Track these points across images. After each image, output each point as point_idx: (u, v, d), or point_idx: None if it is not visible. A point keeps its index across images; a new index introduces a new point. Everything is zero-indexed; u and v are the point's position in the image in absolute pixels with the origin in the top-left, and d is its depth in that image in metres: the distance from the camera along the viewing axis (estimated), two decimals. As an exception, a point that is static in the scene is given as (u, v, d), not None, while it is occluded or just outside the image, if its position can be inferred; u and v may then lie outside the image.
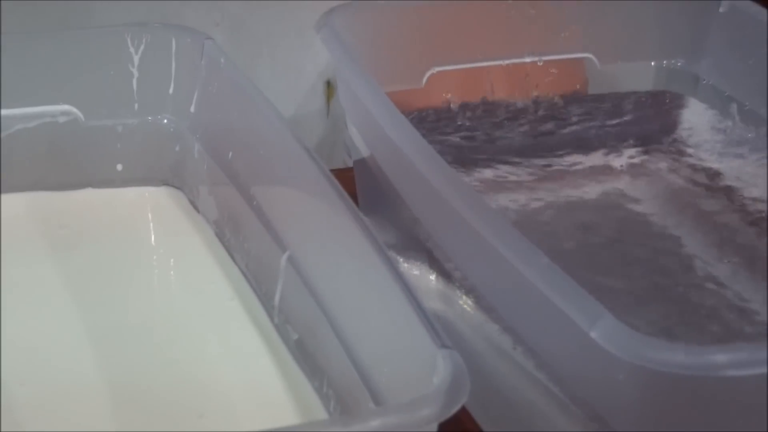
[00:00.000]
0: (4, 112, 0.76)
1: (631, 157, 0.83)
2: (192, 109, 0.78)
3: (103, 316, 0.70)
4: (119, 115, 0.78)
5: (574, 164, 0.82)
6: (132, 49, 0.77)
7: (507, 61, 0.82)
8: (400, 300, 0.57)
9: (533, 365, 0.62)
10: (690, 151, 0.83)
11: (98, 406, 0.63)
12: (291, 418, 0.62)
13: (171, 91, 0.78)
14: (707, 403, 0.54)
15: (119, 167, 0.79)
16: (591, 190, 0.80)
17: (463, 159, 0.81)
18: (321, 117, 1.05)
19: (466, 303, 0.68)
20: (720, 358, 0.53)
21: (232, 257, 0.73)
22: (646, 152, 0.84)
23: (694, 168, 0.82)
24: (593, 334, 0.54)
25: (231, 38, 0.98)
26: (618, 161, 0.83)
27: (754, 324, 0.70)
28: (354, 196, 0.72)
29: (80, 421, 0.63)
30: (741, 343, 0.66)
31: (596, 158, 0.83)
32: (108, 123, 0.78)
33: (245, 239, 0.73)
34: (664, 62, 0.85)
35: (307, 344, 0.66)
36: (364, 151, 0.75)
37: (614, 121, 0.85)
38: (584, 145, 0.84)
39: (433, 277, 0.70)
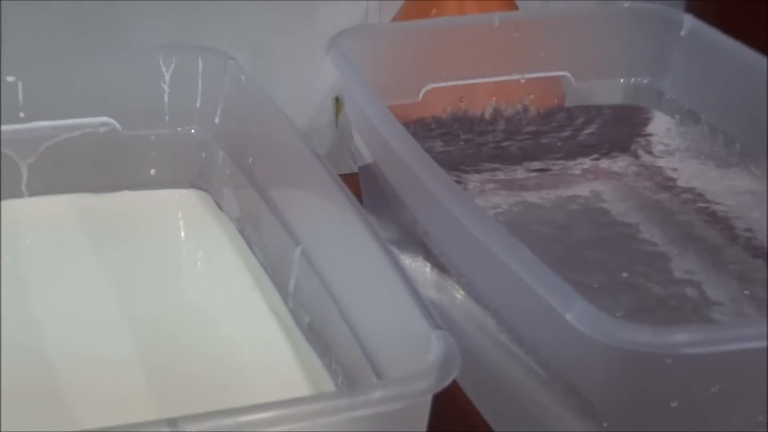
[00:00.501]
0: (52, 123, 0.76)
1: (603, 163, 0.83)
2: (216, 120, 0.78)
3: (140, 301, 0.70)
4: (152, 126, 0.78)
5: (554, 169, 0.82)
6: (164, 68, 0.77)
7: (494, 79, 0.82)
8: (399, 288, 0.57)
9: (516, 345, 0.62)
10: (654, 158, 0.83)
11: (136, 380, 0.64)
12: (303, 391, 0.63)
13: (198, 104, 0.78)
14: (669, 378, 0.54)
15: (152, 172, 0.79)
16: (568, 193, 0.80)
17: (455, 164, 0.81)
18: (330, 128, 1.05)
19: (457, 291, 0.68)
20: (680, 337, 0.53)
21: (252, 250, 0.74)
22: (616, 159, 0.83)
23: (657, 173, 0.82)
24: (569, 317, 0.54)
25: (251, 59, 0.99)
26: (591, 166, 0.83)
27: (709, 308, 0.70)
28: (359, 197, 0.72)
29: (120, 393, 0.63)
30: (698, 325, 0.67)
31: (573, 164, 0.83)
32: (143, 133, 0.78)
33: (263, 235, 0.73)
34: (632, 79, 0.85)
35: (317, 326, 0.66)
36: (368, 158, 0.75)
37: (588, 131, 0.85)
38: (562, 153, 0.84)
39: (428, 268, 0.70)
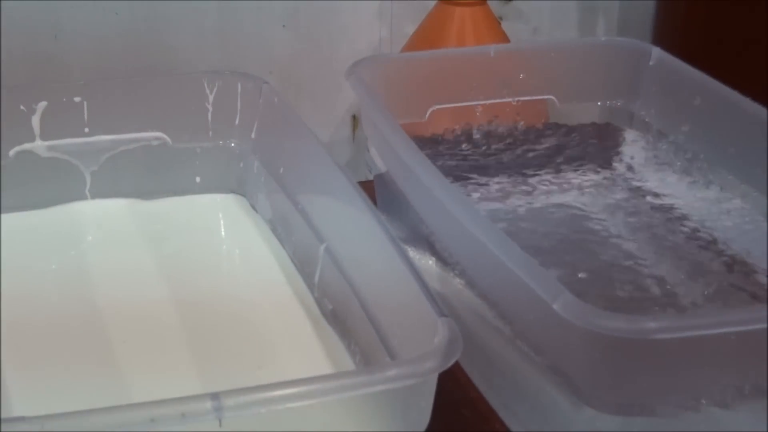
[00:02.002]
0: (112, 137, 0.76)
1: (582, 173, 0.83)
2: (252, 135, 0.77)
3: (185, 291, 0.70)
4: (198, 140, 0.78)
5: (540, 179, 0.82)
6: (207, 91, 0.77)
7: (489, 101, 0.82)
8: (409, 280, 0.57)
9: (509, 330, 0.62)
10: (626, 170, 0.83)
11: (182, 359, 0.63)
12: (326, 369, 0.62)
13: (237, 122, 0.78)
14: (641, 359, 0.54)
15: (197, 179, 0.79)
16: (553, 199, 0.79)
17: (457, 174, 0.80)
18: (348, 142, 1.05)
19: (458, 283, 0.67)
20: (651, 325, 0.53)
21: (283, 247, 0.73)
22: (593, 170, 0.83)
23: (628, 182, 0.81)
24: (556, 307, 0.54)
25: (281, 82, 0.98)
26: (572, 177, 0.82)
27: (671, 296, 0.69)
28: (374, 201, 0.71)
29: (167, 370, 0.63)
30: (666, 314, 0.66)
31: (556, 174, 0.82)
32: (189, 146, 0.78)
33: (292, 233, 0.72)
34: (608, 102, 0.84)
35: (339, 313, 0.66)
36: (382, 168, 0.75)
37: (570, 147, 0.84)
38: (547, 165, 0.83)
39: (433, 262, 0.70)
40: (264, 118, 0.76)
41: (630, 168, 0.83)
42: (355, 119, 1.04)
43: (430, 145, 0.81)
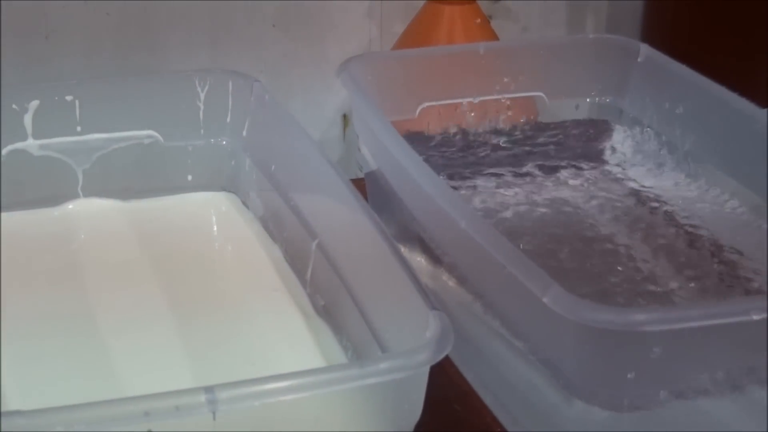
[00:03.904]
0: (104, 135, 0.76)
1: (571, 169, 0.83)
2: (244, 133, 0.77)
3: (179, 287, 0.70)
4: (189, 138, 0.78)
5: (530, 175, 0.82)
6: (199, 89, 0.77)
7: (479, 98, 0.82)
8: (400, 275, 0.57)
9: (499, 324, 0.62)
10: (614, 164, 0.83)
11: (176, 354, 0.64)
12: (319, 364, 0.63)
13: (228, 120, 0.78)
14: (630, 351, 0.54)
15: (189, 177, 0.79)
16: (542, 194, 0.80)
17: (447, 170, 0.81)
18: (339, 140, 1.05)
19: (448, 278, 0.68)
20: (640, 317, 0.53)
21: (275, 243, 0.73)
22: (582, 166, 0.83)
23: (616, 177, 0.82)
24: (545, 300, 0.54)
25: (271, 81, 0.99)
26: (561, 172, 0.83)
27: (660, 289, 0.70)
28: (365, 198, 0.72)
29: (162, 365, 0.63)
30: (654, 306, 0.67)
31: (545, 170, 0.83)
32: (181, 144, 0.78)
33: (284, 230, 0.72)
34: (597, 99, 0.84)
35: (331, 308, 0.66)
36: (373, 165, 0.75)
37: (559, 143, 0.85)
38: (536, 161, 0.84)
39: (423, 258, 0.70)
40: (255, 116, 0.77)
41: (619, 163, 0.83)
42: (345, 118, 1.05)
43: (421, 141, 0.81)
